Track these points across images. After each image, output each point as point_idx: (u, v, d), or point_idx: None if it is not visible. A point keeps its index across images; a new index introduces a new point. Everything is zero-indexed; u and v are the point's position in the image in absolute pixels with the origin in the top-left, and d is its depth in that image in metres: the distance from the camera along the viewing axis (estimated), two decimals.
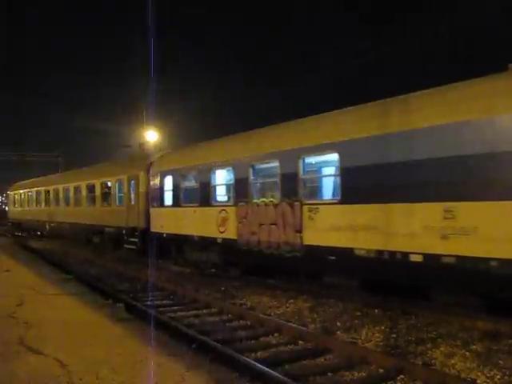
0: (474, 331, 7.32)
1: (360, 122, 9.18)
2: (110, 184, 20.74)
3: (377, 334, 7.48)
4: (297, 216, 10.04)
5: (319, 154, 10.21)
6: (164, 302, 10.52)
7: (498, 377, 5.62)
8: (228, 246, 12.31)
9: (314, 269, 10.58)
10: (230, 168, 12.51)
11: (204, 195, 13.37)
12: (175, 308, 9.80)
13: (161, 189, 15.95)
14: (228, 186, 13.34)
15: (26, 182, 37.50)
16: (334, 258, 9.23)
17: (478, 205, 6.99)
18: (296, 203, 10.09)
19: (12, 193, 39.87)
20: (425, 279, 8.09)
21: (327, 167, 11.12)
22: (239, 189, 11.95)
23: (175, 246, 15.41)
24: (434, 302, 8.60)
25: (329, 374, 5.88)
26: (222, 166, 13.03)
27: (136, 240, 17.65)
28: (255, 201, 11.45)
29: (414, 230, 7.74)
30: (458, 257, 7.16)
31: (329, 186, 11.09)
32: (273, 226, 10.72)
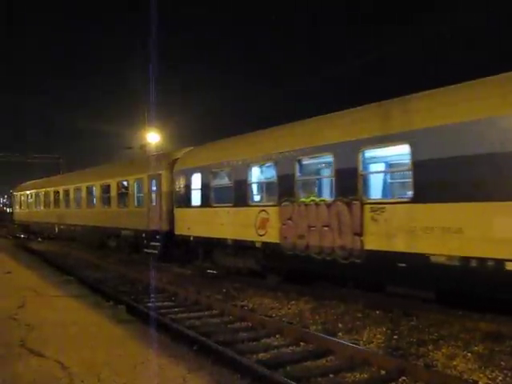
0: (476, 332, 7.31)
1: (447, 106, 7.83)
2: (127, 184, 19.54)
3: (378, 336, 7.47)
4: (356, 217, 8.91)
5: (384, 146, 8.91)
6: (165, 303, 10.51)
7: (500, 378, 5.61)
8: (269, 250, 11.22)
9: (377, 277, 9.23)
10: (272, 163, 11.31)
11: (239, 194, 12.22)
12: (176, 310, 9.80)
13: (187, 188, 14.78)
14: (269, 184, 12.05)
15: (32, 182, 36.51)
16: (403, 265, 8.04)
17: None
18: (355, 202, 8.95)
19: (18, 194, 38.81)
20: None
21: (395, 161, 9.90)
22: (283, 187, 10.76)
23: (204, 250, 14.23)
24: (435, 304, 8.58)
25: (330, 375, 5.88)
26: (261, 162, 11.83)
27: (158, 244, 16.48)
28: (303, 200, 10.29)
29: None
30: None
31: (397, 182, 10.05)
32: (325, 228, 9.57)
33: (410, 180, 8.20)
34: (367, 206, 8.76)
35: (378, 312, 8.81)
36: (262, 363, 6.05)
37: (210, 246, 13.68)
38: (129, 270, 15.23)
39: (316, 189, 11.43)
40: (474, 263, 7.06)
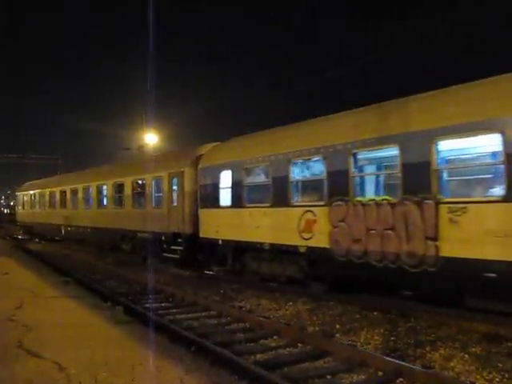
0: (473, 334, 7.33)
1: None
2: (143, 183, 18.16)
3: (376, 337, 7.48)
4: (429, 218, 7.81)
5: (466, 136, 7.68)
6: (163, 304, 10.51)
7: (497, 379, 5.63)
8: (315, 256, 10.11)
9: (456, 288, 8.05)
10: (320, 158, 10.07)
11: (279, 193, 10.98)
12: (174, 311, 9.79)
13: (215, 186, 13.42)
14: (316, 181, 10.64)
15: (37, 181, 35.38)
16: (493, 275, 6.96)
17: None
18: (427, 202, 7.84)
19: (21, 193, 37.29)
20: None
21: (479, 154, 8.39)
22: (334, 184, 9.58)
23: (234, 255, 12.92)
24: (432, 305, 8.60)
25: (328, 376, 5.88)
26: (306, 156, 10.48)
27: (180, 248, 15.15)
28: (359, 199, 9.18)
29: None
30: None
31: (482, 177, 8.47)
32: (388, 231, 8.40)
33: (502, 175, 7.05)
34: (444, 206, 7.65)
35: (375, 313, 8.82)
36: (260, 364, 6.04)
37: (243, 251, 12.48)
38: (126, 271, 15.21)
39: (376, 186, 10.15)
40: None
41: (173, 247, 15.47)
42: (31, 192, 33.78)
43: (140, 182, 18.59)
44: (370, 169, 10.37)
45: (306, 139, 10.62)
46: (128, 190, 19.09)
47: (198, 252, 14.61)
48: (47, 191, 29.90)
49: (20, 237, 33.96)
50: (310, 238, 10.05)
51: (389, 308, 8.88)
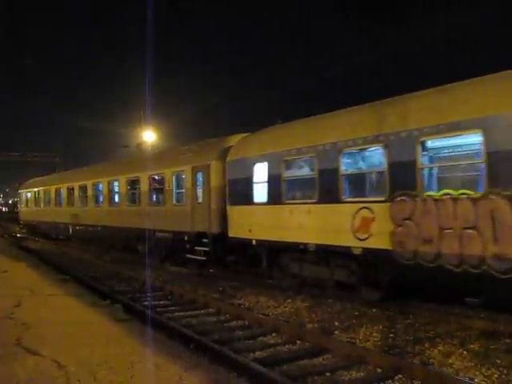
0: (472, 330, 7.35)
1: None
2: (161, 178, 16.70)
3: (375, 334, 7.49)
4: None
5: None
6: (162, 302, 10.52)
7: (496, 376, 5.65)
8: (373, 258, 8.99)
9: None
10: (379, 147, 8.91)
11: (327, 187, 9.78)
12: (173, 308, 9.80)
13: (248, 181, 12.10)
14: (373, 174, 9.76)
15: (41, 178, 33.99)
16: None
17: None
18: None
19: (24, 191, 35.68)
20: None
21: None
22: (397, 176, 8.44)
23: (270, 256, 11.70)
24: (431, 302, 8.61)
25: (327, 373, 5.89)
26: (360, 146, 9.27)
27: (206, 249, 13.78)
28: (430, 193, 8.04)
29: None
30: None
31: None
32: (469, 231, 7.33)
33: None
34: None
35: (374, 310, 8.83)
36: (259, 361, 6.06)
37: (282, 252, 11.32)
38: (125, 269, 15.21)
39: (449, 179, 8.91)
40: None
41: (198, 248, 14.19)
42: (35, 189, 32.26)
43: (157, 177, 17.16)
44: (443, 159, 9.02)
45: (360, 127, 9.37)
46: (144, 186, 17.62)
47: (227, 253, 13.59)
48: (53, 188, 28.26)
49: (19, 235, 33.88)
50: (367, 238, 8.91)
51: (387, 305, 8.90)
